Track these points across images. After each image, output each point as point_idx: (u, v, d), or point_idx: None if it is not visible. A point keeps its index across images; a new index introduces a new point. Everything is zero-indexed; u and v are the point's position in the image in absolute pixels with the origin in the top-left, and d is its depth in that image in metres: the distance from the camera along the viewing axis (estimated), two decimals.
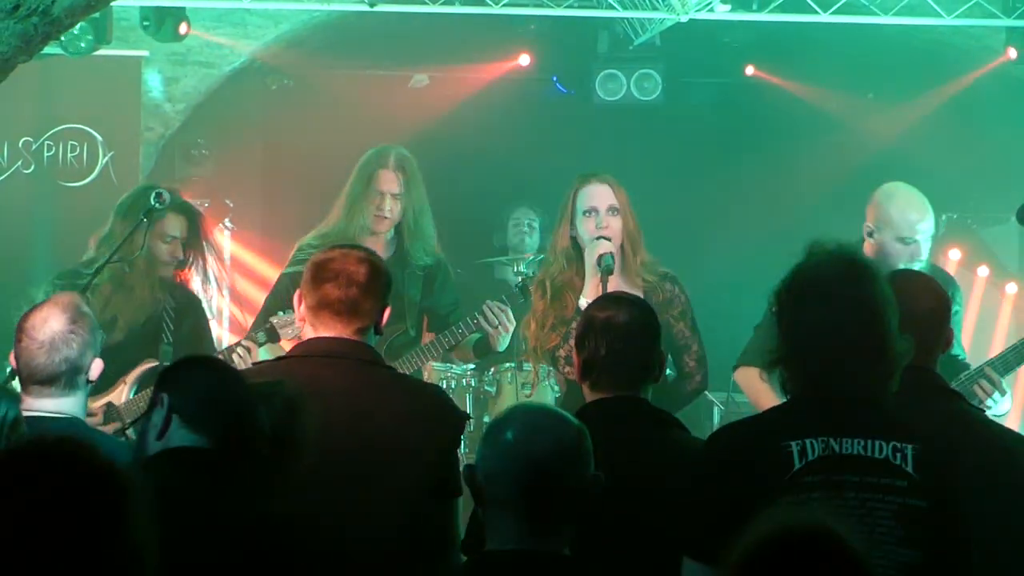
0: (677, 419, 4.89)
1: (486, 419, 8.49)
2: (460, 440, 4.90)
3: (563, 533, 3.56)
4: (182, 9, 9.92)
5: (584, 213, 6.95)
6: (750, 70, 12.15)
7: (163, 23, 9.93)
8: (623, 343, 4.82)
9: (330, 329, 4.83)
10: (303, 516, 4.03)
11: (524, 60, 12.08)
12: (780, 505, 2.66)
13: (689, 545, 3.89)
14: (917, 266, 6.85)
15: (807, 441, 3.83)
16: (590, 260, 6.86)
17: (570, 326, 6.68)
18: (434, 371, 8.94)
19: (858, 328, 3.90)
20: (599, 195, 6.97)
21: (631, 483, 4.28)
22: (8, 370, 5.15)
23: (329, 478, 4.54)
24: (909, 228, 6.96)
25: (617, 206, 6.96)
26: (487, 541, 3.59)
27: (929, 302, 4.81)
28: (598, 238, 6.89)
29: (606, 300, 5.18)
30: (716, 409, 9.68)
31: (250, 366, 7.25)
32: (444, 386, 8.50)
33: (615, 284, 6.79)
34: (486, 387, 8.83)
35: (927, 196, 7.01)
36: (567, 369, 6.76)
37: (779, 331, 3.99)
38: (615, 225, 6.93)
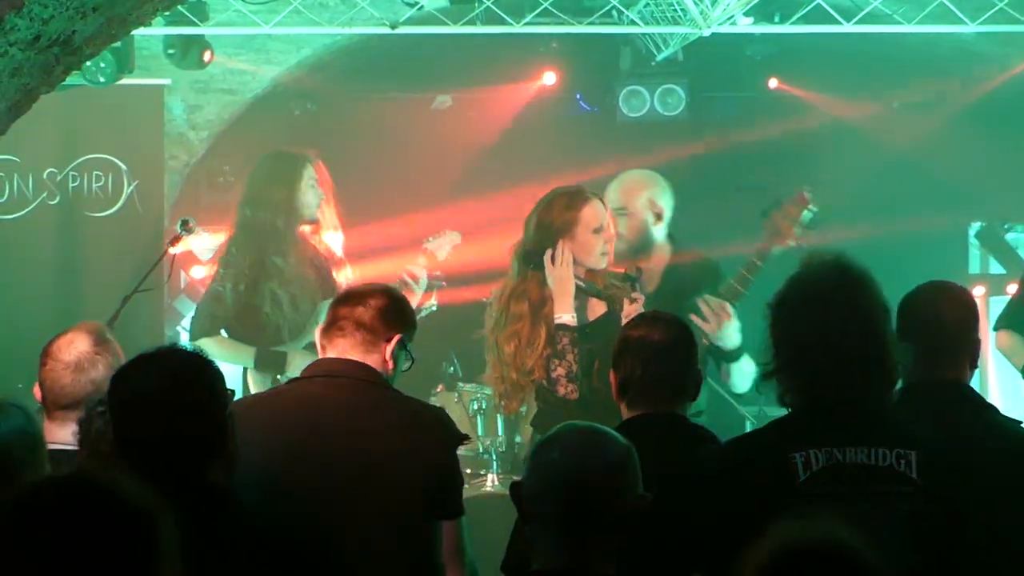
0: (714, 435, 4.88)
1: (517, 439, 8.48)
2: (452, 460, 4.85)
3: (610, 552, 3.54)
4: (206, 36, 9.94)
5: (595, 231, 6.90)
6: (773, 83, 12.12)
7: (188, 51, 9.96)
8: (658, 362, 4.82)
9: (335, 347, 4.89)
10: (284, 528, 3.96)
11: (550, 79, 12.07)
12: (790, 517, 2.63)
13: (697, 560, 3.88)
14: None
15: (811, 452, 3.83)
16: (566, 287, 6.79)
17: (556, 345, 6.66)
18: (466, 392, 8.93)
19: (851, 338, 3.90)
20: (603, 214, 6.95)
21: (668, 500, 4.25)
22: (37, 408, 5.09)
23: (317, 494, 4.62)
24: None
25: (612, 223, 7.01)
26: (532, 560, 3.58)
27: (953, 313, 4.80)
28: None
29: (642, 319, 5.17)
30: (748, 423, 9.63)
31: (420, 291, 7.90)
32: (475, 407, 8.49)
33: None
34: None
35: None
36: (570, 387, 6.68)
37: (772, 343, 3.98)
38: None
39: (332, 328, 4.90)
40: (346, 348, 4.86)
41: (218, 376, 3.80)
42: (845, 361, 3.89)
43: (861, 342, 3.90)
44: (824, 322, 3.92)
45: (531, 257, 6.86)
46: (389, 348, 4.88)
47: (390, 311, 4.93)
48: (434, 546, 4.72)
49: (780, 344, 3.98)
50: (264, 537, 3.86)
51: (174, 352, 3.82)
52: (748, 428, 9.08)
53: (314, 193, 8.43)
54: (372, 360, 4.87)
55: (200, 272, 10.64)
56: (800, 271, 4.06)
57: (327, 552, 4.59)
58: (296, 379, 5.02)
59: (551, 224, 6.87)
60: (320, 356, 4.95)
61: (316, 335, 5.06)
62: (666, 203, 7.62)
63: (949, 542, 3.80)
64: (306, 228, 8.36)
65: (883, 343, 3.93)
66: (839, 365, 3.89)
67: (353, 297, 4.97)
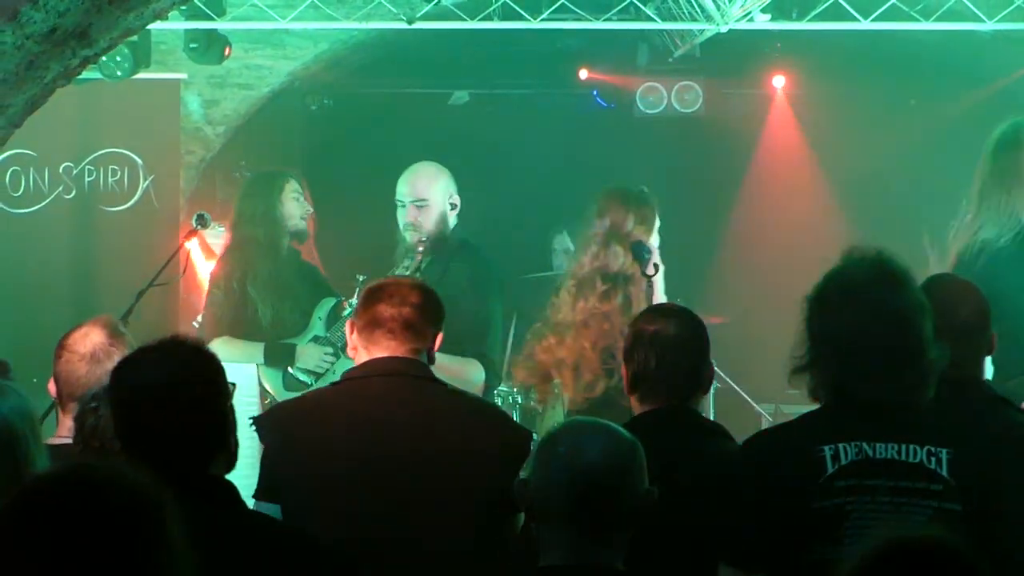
0: (726, 429, 4.86)
1: (535, 436, 8.48)
2: (526, 455, 4.83)
3: (617, 547, 3.53)
4: (223, 31, 9.96)
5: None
6: (787, 80, 12.11)
7: (211, 46, 9.98)
8: (672, 355, 4.80)
9: (383, 349, 4.78)
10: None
11: (583, 75, 12.10)
12: (891, 521, 2.62)
13: (725, 551, 3.86)
14: None
15: (840, 445, 3.81)
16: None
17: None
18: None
19: (884, 333, 3.87)
20: None
21: (679, 494, 4.24)
22: (52, 403, 5.09)
23: (387, 494, 4.56)
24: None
25: None
26: (541, 557, 3.56)
27: (967, 309, 4.77)
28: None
29: (654, 312, 5.15)
30: (764, 421, 9.62)
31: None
32: (506, 403, 8.51)
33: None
34: (533, 403, 8.81)
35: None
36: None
37: (807, 336, 3.96)
38: None
39: (377, 330, 4.78)
40: (394, 348, 4.79)
41: (219, 369, 3.76)
42: (877, 358, 3.86)
43: (893, 339, 3.87)
44: (857, 318, 3.90)
45: (641, 248, 6.96)
46: (436, 348, 4.87)
47: (431, 308, 4.85)
48: (508, 540, 4.69)
49: (813, 338, 3.96)
50: (284, 533, 3.84)
51: (175, 344, 3.77)
52: (764, 426, 9.06)
53: (297, 205, 8.41)
54: (420, 358, 4.84)
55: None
56: (837, 266, 4.03)
57: (404, 551, 4.54)
58: (348, 379, 4.89)
59: (652, 217, 7.05)
60: (358, 356, 4.88)
61: (347, 329, 4.98)
62: (456, 193, 7.85)
63: (978, 541, 3.77)
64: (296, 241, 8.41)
65: (917, 341, 3.90)
66: (871, 361, 3.86)
67: (393, 295, 4.83)
